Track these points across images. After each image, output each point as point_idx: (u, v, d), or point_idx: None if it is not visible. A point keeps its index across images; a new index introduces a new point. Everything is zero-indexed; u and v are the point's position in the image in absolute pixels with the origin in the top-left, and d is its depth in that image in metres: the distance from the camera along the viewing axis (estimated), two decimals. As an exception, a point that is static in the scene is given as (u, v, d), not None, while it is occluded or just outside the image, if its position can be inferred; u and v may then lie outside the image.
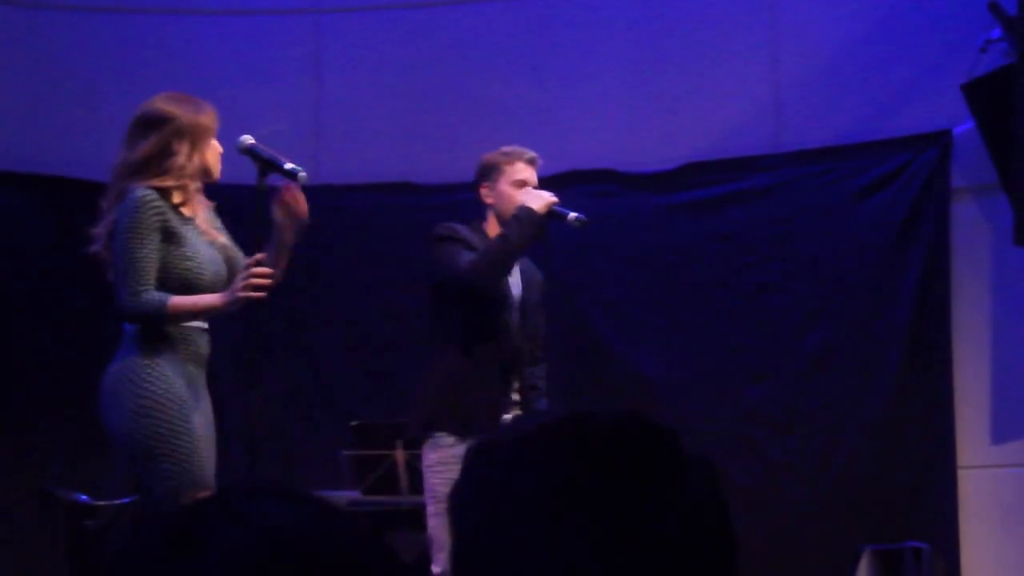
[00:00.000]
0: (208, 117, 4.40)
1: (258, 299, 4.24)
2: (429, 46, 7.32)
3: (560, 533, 1.26)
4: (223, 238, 4.50)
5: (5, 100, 7.12)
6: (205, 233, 4.42)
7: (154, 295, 4.24)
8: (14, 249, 6.94)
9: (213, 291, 4.35)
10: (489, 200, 4.96)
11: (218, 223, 4.54)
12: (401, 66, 7.31)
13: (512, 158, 4.97)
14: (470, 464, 1.39)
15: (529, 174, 4.97)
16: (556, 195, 4.92)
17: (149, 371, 4.27)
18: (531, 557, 1.26)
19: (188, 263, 4.31)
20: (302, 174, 4.31)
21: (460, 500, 1.36)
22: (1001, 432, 6.44)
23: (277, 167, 4.35)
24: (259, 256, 4.26)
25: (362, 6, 7.42)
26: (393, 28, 7.37)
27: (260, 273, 4.23)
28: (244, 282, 4.22)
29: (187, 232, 4.35)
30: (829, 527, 6.41)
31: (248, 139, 4.38)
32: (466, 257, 4.80)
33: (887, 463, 6.47)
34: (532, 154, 5.00)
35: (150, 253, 4.26)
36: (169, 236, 4.30)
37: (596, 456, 1.30)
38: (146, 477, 4.29)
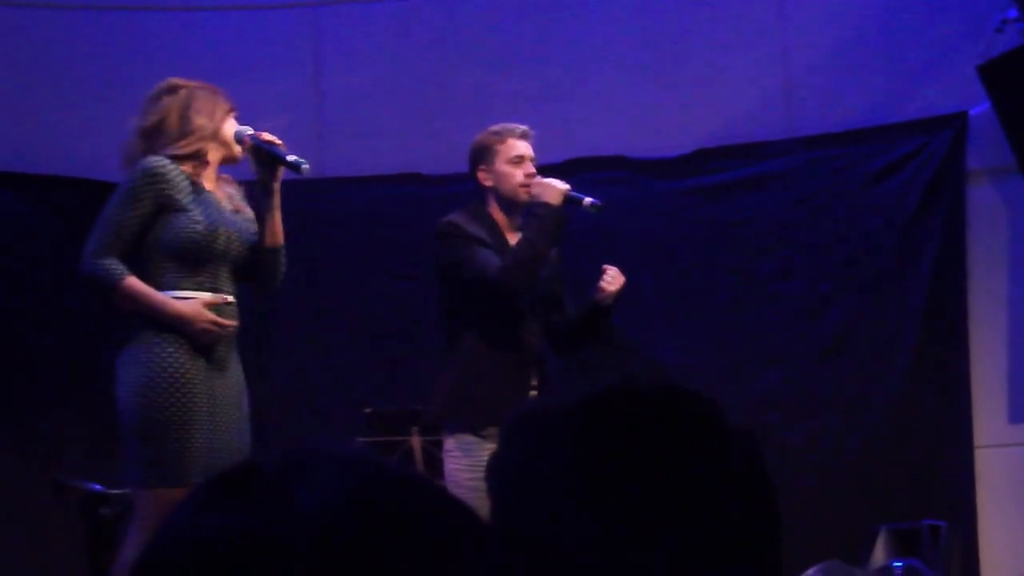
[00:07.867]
0: (223, 94, 4.35)
1: (214, 337, 4.19)
2: (431, 35, 7.28)
3: (600, 504, 1.25)
4: (248, 211, 4.40)
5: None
6: (225, 204, 4.32)
7: (114, 265, 4.13)
8: (17, 246, 6.93)
9: (224, 259, 4.24)
10: (489, 183, 4.86)
11: (240, 197, 4.43)
12: (403, 56, 7.26)
13: (504, 135, 4.88)
14: (511, 435, 1.37)
15: (524, 147, 4.87)
16: (567, 182, 4.86)
17: (156, 348, 4.13)
18: (570, 528, 1.25)
19: (195, 226, 4.17)
20: (305, 166, 4.24)
21: (500, 471, 1.35)
22: (1018, 411, 6.45)
23: (279, 159, 4.26)
24: (225, 298, 4.23)
25: (362, -3, 7.39)
26: (394, 18, 7.33)
27: (223, 324, 4.19)
28: (211, 323, 4.15)
29: (198, 201, 4.22)
30: (846, 507, 6.40)
31: (248, 131, 4.30)
32: (489, 258, 4.71)
33: (904, 443, 6.46)
34: (523, 128, 4.91)
35: (130, 221, 4.15)
36: (171, 206, 4.17)
37: (638, 427, 1.30)
38: (127, 455, 4.15)
